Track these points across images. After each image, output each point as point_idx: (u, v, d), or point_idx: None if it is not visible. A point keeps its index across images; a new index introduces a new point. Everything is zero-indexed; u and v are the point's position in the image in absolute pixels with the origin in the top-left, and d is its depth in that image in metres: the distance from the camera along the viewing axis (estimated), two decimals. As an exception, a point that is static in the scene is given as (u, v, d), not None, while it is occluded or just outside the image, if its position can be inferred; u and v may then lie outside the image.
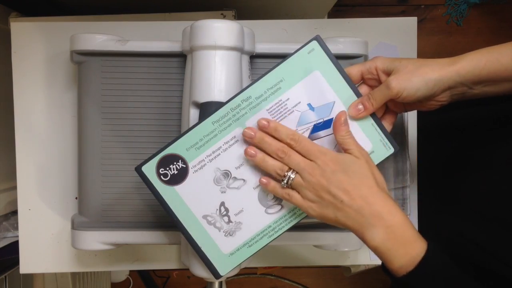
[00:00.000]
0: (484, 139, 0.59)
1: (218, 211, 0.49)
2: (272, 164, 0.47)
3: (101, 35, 0.57)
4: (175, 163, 0.48)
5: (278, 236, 0.50)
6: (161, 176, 0.48)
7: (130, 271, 1.53)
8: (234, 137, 0.48)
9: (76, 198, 0.65)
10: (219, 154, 0.48)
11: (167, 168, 0.48)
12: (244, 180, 0.48)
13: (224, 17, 0.74)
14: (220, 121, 0.47)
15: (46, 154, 0.67)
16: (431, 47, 1.55)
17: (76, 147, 0.62)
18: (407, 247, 0.43)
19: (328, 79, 0.48)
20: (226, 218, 0.49)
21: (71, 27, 0.66)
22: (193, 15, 0.74)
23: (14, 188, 0.67)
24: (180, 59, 0.57)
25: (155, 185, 0.48)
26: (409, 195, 0.67)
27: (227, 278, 0.56)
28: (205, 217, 0.49)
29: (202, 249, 0.49)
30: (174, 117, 0.58)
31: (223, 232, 0.49)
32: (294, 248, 0.72)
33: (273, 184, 0.48)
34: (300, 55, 0.47)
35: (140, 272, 1.54)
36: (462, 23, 1.54)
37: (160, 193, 0.48)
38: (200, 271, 0.54)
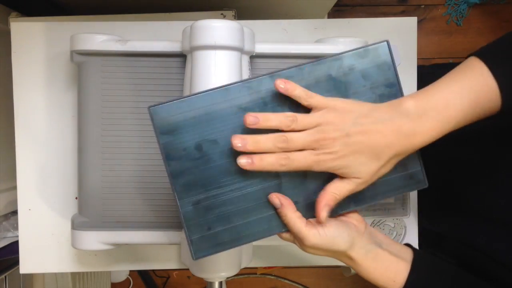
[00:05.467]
0: (489, 145, 0.58)
1: None
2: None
3: (101, 35, 0.57)
4: None
5: None
6: None
7: (130, 271, 1.53)
8: None
9: (76, 198, 0.65)
10: None
11: None
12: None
13: (224, 17, 0.74)
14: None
15: (46, 154, 0.66)
16: (431, 47, 1.55)
17: (76, 147, 0.62)
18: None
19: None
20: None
21: (71, 27, 0.66)
22: (193, 15, 0.74)
23: (14, 188, 0.67)
24: (180, 59, 0.57)
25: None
26: (409, 196, 0.67)
27: (227, 278, 0.56)
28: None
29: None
30: (174, 117, 0.58)
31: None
32: (294, 248, 0.72)
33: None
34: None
35: (140, 272, 1.54)
36: (462, 23, 1.54)
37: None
38: (200, 271, 0.54)
